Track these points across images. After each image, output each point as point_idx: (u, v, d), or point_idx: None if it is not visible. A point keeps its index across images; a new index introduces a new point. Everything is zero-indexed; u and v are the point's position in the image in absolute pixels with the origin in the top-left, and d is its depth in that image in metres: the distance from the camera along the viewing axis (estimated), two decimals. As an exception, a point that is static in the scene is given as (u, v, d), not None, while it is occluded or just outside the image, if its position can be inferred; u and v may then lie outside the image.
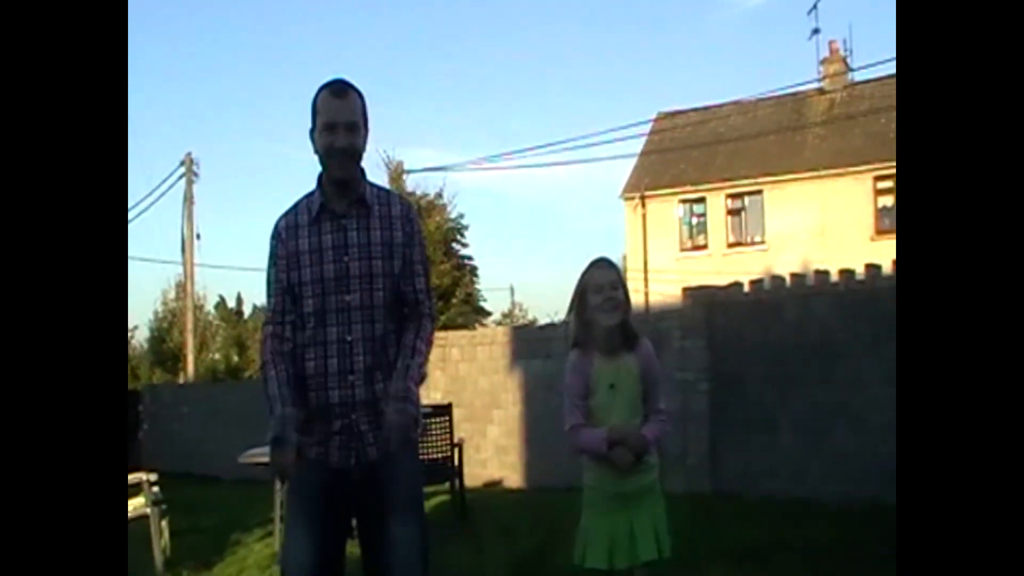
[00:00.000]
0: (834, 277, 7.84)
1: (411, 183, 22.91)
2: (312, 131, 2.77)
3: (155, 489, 6.56)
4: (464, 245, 26.04)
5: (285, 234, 2.79)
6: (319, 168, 2.82)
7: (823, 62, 24.12)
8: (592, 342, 2.91)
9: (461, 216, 25.74)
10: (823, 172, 21.31)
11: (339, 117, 2.73)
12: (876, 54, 52.52)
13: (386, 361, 2.73)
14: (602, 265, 2.97)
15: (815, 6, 24.48)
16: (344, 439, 2.70)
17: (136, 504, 6.41)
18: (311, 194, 2.82)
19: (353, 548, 2.81)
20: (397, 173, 22.57)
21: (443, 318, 20.35)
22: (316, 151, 2.79)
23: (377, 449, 2.69)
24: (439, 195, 24.87)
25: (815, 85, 23.61)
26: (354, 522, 2.82)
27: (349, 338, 2.70)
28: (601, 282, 2.89)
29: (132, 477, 6.51)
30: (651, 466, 2.95)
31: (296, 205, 2.84)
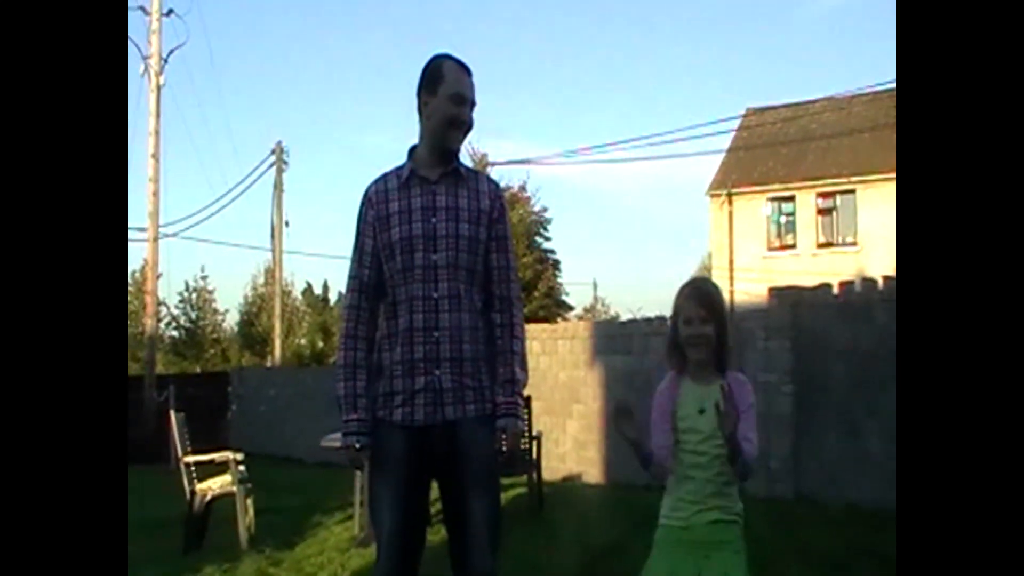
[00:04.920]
0: (929, 280, 7.55)
1: (495, 175, 22.99)
2: (422, 90, 2.84)
3: (241, 468, 6.74)
4: (547, 239, 26.13)
5: (375, 198, 2.86)
6: (407, 149, 2.89)
7: (923, 57, 23.17)
8: (683, 366, 2.81)
9: (544, 209, 25.84)
10: (920, 171, 20.49)
11: (470, 93, 2.85)
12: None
13: (471, 321, 2.80)
14: (696, 293, 2.81)
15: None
16: (428, 396, 2.75)
17: (223, 481, 6.60)
18: (401, 166, 2.89)
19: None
20: (481, 165, 22.69)
21: (525, 311, 20.32)
22: (425, 112, 2.84)
23: (455, 410, 2.76)
24: (522, 188, 25.00)
25: (914, 81, 22.71)
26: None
27: (435, 295, 2.76)
28: (691, 315, 2.74)
29: (219, 455, 6.72)
30: (732, 517, 2.70)
31: (385, 174, 2.91)
